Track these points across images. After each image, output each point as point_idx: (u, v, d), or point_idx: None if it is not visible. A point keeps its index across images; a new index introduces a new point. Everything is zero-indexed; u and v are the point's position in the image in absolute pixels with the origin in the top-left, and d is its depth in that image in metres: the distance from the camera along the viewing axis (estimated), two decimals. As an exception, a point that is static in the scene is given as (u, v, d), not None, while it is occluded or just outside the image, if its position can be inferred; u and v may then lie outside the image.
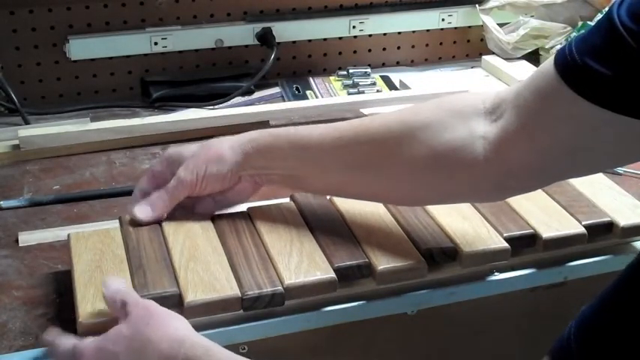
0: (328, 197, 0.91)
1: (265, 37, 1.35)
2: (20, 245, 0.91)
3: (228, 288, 0.75)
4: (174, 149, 0.87)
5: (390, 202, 0.87)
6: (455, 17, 1.47)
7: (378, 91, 1.35)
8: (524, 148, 0.70)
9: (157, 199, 0.84)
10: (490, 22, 1.46)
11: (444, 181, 0.76)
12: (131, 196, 0.87)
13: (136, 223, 0.84)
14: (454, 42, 1.51)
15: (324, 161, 0.80)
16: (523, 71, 1.38)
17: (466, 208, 0.89)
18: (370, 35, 1.44)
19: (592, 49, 0.62)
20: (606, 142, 0.66)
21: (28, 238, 0.92)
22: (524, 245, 0.86)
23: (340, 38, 1.43)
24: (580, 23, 1.43)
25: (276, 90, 1.37)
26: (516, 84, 0.73)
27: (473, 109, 0.74)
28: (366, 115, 1.26)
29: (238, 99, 1.31)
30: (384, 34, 1.45)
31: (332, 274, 0.78)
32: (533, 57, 1.47)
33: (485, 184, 0.75)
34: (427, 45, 1.50)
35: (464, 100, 0.76)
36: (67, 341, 0.69)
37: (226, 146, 0.84)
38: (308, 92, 1.35)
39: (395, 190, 0.80)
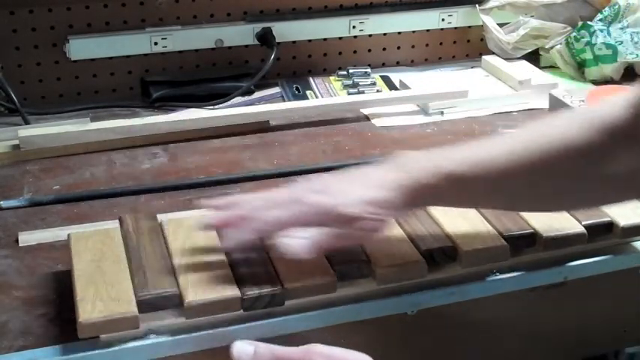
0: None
1: (265, 37, 1.35)
2: (20, 245, 0.91)
3: (228, 288, 0.75)
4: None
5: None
6: (455, 17, 1.47)
7: (378, 91, 1.35)
8: None
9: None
10: (490, 22, 1.46)
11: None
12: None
13: (136, 224, 0.84)
14: (454, 42, 1.51)
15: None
16: (523, 71, 1.38)
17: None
18: (370, 35, 1.45)
19: None
20: None
21: (28, 238, 0.92)
22: (524, 245, 0.86)
23: (340, 38, 1.43)
24: (580, 23, 1.43)
25: (276, 90, 1.37)
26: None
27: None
28: (366, 115, 1.27)
29: (238, 99, 1.32)
30: (384, 34, 1.45)
31: (332, 274, 0.78)
32: (533, 57, 1.47)
33: None
34: (427, 45, 1.50)
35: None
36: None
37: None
38: (308, 92, 1.35)
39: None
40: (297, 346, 0.80)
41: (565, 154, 0.75)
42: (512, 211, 0.86)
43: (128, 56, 1.32)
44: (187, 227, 0.85)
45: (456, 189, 0.76)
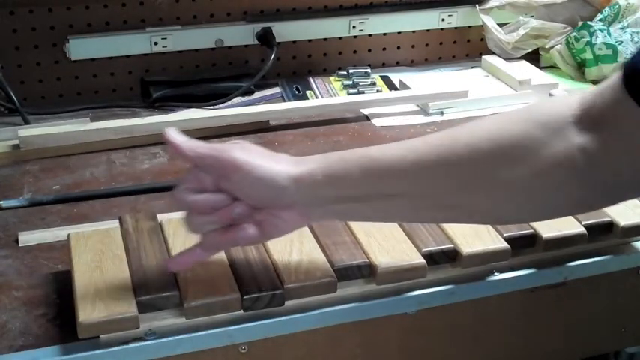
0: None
1: (265, 37, 1.35)
2: (20, 245, 0.91)
3: (228, 288, 0.76)
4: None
5: (486, 223, 0.82)
6: (455, 17, 1.47)
7: (378, 91, 1.35)
8: (625, 160, 0.65)
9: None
10: (490, 22, 1.46)
11: (547, 198, 0.69)
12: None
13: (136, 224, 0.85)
14: (454, 42, 1.51)
15: (402, 188, 0.71)
16: (523, 71, 1.38)
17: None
18: (370, 35, 1.44)
19: None
20: None
21: (28, 238, 0.92)
22: (524, 245, 0.86)
23: (340, 38, 1.43)
24: (580, 23, 1.43)
25: (276, 90, 1.37)
26: (601, 89, 0.66)
27: (562, 118, 0.67)
28: (366, 115, 1.27)
29: (238, 99, 1.32)
30: (384, 34, 1.45)
31: (332, 274, 0.78)
32: (534, 57, 1.47)
33: (593, 195, 0.68)
34: (427, 45, 1.50)
35: (549, 109, 0.69)
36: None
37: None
38: (308, 92, 1.35)
39: (489, 213, 0.72)
40: (297, 345, 0.80)
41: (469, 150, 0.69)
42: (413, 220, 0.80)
43: (128, 56, 1.32)
44: (187, 227, 0.85)
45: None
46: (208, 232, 0.74)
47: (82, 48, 1.28)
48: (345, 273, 0.79)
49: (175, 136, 0.74)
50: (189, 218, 0.74)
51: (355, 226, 0.85)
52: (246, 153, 0.72)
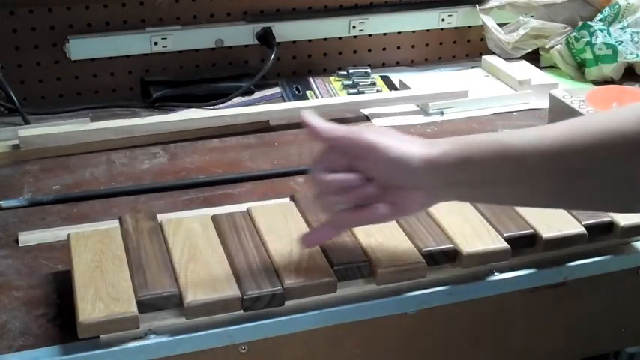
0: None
1: (265, 37, 1.35)
2: (20, 245, 0.91)
3: (228, 288, 0.75)
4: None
5: (607, 211, 0.84)
6: (455, 17, 1.47)
7: (378, 91, 1.35)
8: None
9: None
10: (490, 22, 1.46)
11: None
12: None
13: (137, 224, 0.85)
14: (454, 42, 1.51)
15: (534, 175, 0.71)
16: (523, 71, 1.38)
17: (466, 208, 0.89)
18: (370, 35, 1.45)
19: None
20: None
21: (28, 238, 0.92)
22: (524, 245, 0.86)
23: (340, 38, 1.43)
24: (580, 23, 1.43)
25: (276, 90, 1.37)
26: None
27: None
28: (366, 115, 1.27)
29: (238, 99, 1.32)
30: (384, 34, 1.45)
31: (332, 274, 0.78)
32: (534, 57, 1.47)
33: None
34: (427, 45, 1.50)
35: None
36: None
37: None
38: (308, 92, 1.35)
39: (614, 202, 0.71)
40: (297, 345, 0.80)
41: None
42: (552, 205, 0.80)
43: (128, 56, 1.32)
44: (187, 227, 0.85)
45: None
46: (340, 211, 0.76)
47: (82, 48, 1.28)
48: (345, 273, 0.79)
49: (311, 118, 0.76)
50: (322, 197, 0.76)
51: (355, 226, 0.85)
52: (381, 135, 0.74)
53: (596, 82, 1.40)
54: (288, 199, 0.92)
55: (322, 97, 1.33)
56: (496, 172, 0.71)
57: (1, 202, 0.99)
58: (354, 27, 1.42)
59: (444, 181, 0.73)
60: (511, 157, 0.71)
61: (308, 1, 1.40)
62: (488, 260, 0.84)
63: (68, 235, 0.84)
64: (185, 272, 0.77)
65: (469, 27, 1.50)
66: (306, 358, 0.82)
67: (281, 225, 0.85)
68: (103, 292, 0.74)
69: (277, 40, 1.35)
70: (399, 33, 1.46)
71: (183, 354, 0.75)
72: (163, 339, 0.75)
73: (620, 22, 1.43)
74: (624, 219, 0.88)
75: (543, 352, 0.94)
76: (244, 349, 0.78)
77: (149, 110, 1.28)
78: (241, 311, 0.76)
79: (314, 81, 1.39)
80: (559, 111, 1.21)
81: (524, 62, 1.44)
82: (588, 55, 1.39)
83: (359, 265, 0.80)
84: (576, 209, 0.85)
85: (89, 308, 0.72)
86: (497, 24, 1.47)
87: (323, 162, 0.76)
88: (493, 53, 1.46)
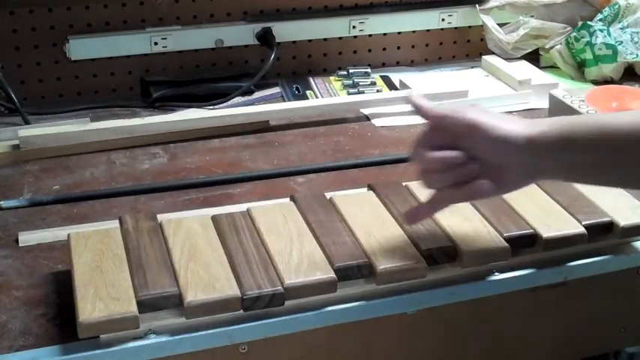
0: (328, 197, 0.92)
1: (265, 37, 1.35)
2: (20, 245, 0.91)
3: (228, 288, 0.75)
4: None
5: None
6: (455, 17, 1.47)
7: (378, 91, 1.35)
8: None
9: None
10: (490, 22, 1.46)
11: None
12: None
13: (136, 224, 0.85)
14: (454, 42, 1.51)
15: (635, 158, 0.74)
16: (523, 71, 1.38)
17: (466, 208, 0.89)
18: (370, 35, 1.45)
19: None
20: None
21: (28, 238, 0.92)
22: (524, 245, 0.86)
23: (340, 38, 1.43)
24: (580, 23, 1.43)
25: (276, 90, 1.37)
26: None
27: None
28: (366, 115, 1.27)
29: (238, 99, 1.32)
30: (384, 34, 1.45)
31: (332, 274, 0.78)
32: (534, 57, 1.47)
33: None
34: (427, 45, 1.50)
35: None
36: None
37: None
38: (308, 92, 1.35)
39: None
40: (297, 345, 0.81)
41: None
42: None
43: (128, 56, 1.32)
44: (187, 227, 0.85)
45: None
46: (442, 188, 0.78)
47: (82, 48, 1.28)
48: (345, 273, 0.79)
49: (417, 98, 0.79)
50: (426, 174, 0.78)
51: (355, 226, 0.85)
52: (484, 114, 0.77)
53: (596, 82, 1.40)
54: (288, 199, 0.92)
55: (322, 97, 1.33)
56: (593, 151, 0.74)
57: (1, 202, 0.99)
58: (354, 27, 1.42)
59: (544, 159, 0.75)
60: (607, 136, 0.73)
61: (308, 1, 1.40)
62: (488, 260, 0.84)
63: (68, 235, 0.84)
64: (185, 272, 0.77)
65: (469, 27, 1.50)
66: (306, 358, 0.82)
67: (281, 225, 0.85)
68: (103, 292, 0.74)
69: (277, 40, 1.35)
70: (399, 33, 1.46)
71: (183, 354, 0.75)
72: (163, 339, 0.75)
73: (620, 22, 1.43)
74: (624, 219, 0.88)
75: (543, 352, 0.94)
76: (244, 349, 0.78)
77: (149, 110, 1.28)
78: (241, 311, 0.76)
79: (314, 81, 1.39)
80: (559, 111, 1.21)
81: (524, 62, 1.44)
82: (588, 55, 1.39)
83: (359, 265, 0.80)
84: None
85: (89, 308, 0.72)
86: (497, 24, 1.47)
87: (427, 140, 0.78)
88: (493, 53, 1.46)
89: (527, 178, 0.79)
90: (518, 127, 0.75)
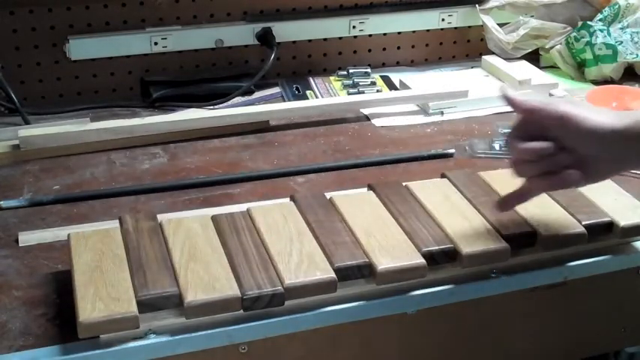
0: (328, 197, 0.92)
1: (265, 37, 1.35)
2: (20, 245, 0.91)
3: (228, 288, 0.75)
4: None
5: None
6: (455, 17, 1.47)
7: (378, 91, 1.35)
8: None
9: None
10: (490, 22, 1.46)
11: None
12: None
13: (136, 224, 0.85)
14: (454, 42, 1.51)
15: None
16: (523, 71, 1.38)
17: (466, 208, 0.89)
18: (370, 35, 1.45)
19: None
20: None
21: (28, 238, 0.92)
22: (524, 245, 0.86)
23: (340, 38, 1.43)
24: (580, 23, 1.43)
25: (276, 90, 1.37)
26: None
27: None
28: (366, 115, 1.27)
29: (238, 99, 1.32)
30: (384, 34, 1.45)
31: (332, 274, 0.78)
32: (534, 57, 1.47)
33: None
34: (427, 45, 1.50)
35: None
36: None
37: None
38: (308, 92, 1.35)
39: None
40: (297, 345, 0.81)
41: None
42: None
43: (128, 56, 1.32)
44: (187, 227, 0.85)
45: None
46: (533, 177, 0.81)
47: (82, 48, 1.28)
48: (345, 273, 0.79)
49: (509, 91, 0.83)
50: (517, 164, 0.82)
51: (355, 226, 0.85)
52: (575, 107, 0.79)
53: (596, 82, 1.40)
54: (288, 199, 0.92)
55: (322, 97, 1.33)
56: None
57: (1, 202, 0.99)
58: (354, 27, 1.42)
59: (633, 150, 0.78)
60: None
61: (308, 1, 1.40)
62: (488, 260, 0.84)
63: (68, 235, 0.84)
64: (185, 272, 0.77)
65: (469, 27, 1.50)
66: (306, 358, 0.82)
67: (281, 225, 0.85)
68: (103, 292, 0.74)
69: (277, 40, 1.35)
70: (399, 33, 1.46)
71: (183, 354, 0.76)
72: (163, 339, 0.75)
73: (620, 22, 1.43)
74: (624, 219, 0.88)
75: (543, 352, 0.94)
76: (244, 349, 0.78)
77: (149, 110, 1.28)
78: (241, 311, 0.76)
79: (314, 81, 1.39)
80: (559, 111, 1.21)
81: (524, 62, 1.44)
82: (588, 55, 1.39)
83: (359, 265, 0.80)
84: None
85: (89, 308, 0.72)
86: (497, 24, 1.47)
87: (519, 131, 0.82)
88: (493, 53, 1.46)
89: (615, 169, 0.83)
90: (608, 119, 0.78)
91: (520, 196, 0.84)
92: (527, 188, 0.83)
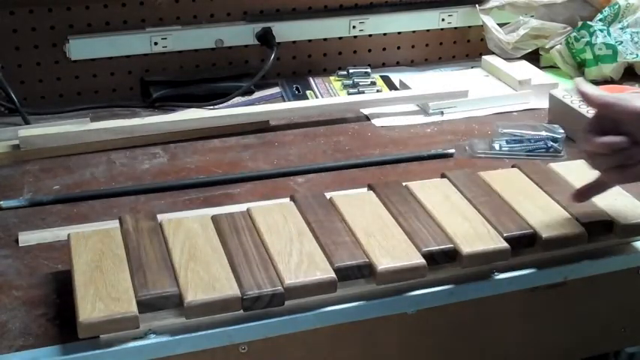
0: (328, 197, 0.92)
1: (265, 37, 1.35)
2: (20, 245, 0.91)
3: (228, 288, 0.75)
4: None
5: None
6: (455, 17, 1.47)
7: (378, 91, 1.35)
8: None
9: None
10: (490, 22, 1.46)
11: None
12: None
13: (136, 224, 0.85)
14: (454, 42, 1.51)
15: None
16: (523, 71, 1.38)
17: (466, 208, 0.89)
18: (370, 35, 1.45)
19: None
20: None
21: (28, 238, 0.92)
22: (524, 245, 0.86)
23: (340, 38, 1.43)
24: (580, 23, 1.43)
25: (276, 90, 1.37)
26: None
27: None
28: (366, 115, 1.27)
29: (238, 99, 1.32)
30: (384, 34, 1.45)
31: (332, 274, 0.78)
32: (534, 57, 1.47)
33: None
34: (427, 45, 1.50)
35: None
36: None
37: None
38: (308, 92, 1.35)
39: None
40: (297, 345, 0.80)
41: None
42: None
43: (128, 56, 1.32)
44: (187, 227, 0.85)
45: None
46: (608, 170, 0.83)
47: (82, 48, 1.28)
48: (345, 273, 0.79)
49: (585, 86, 0.83)
50: (592, 157, 0.83)
51: (355, 226, 0.85)
52: None
53: (596, 82, 1.39)
54: (288, 199, 0.92)
55: (322, 97, 1.33)
56: None
57: (1, 202, 0.99)
58: (354, 27, 1.42)
59: None
60: None
61: (308, 1, 1.40)
62: (488, 260, 0.84)
63: (68, 235, 0.84)
64: (185, 272, 0.77)
65: (469, 27, 1.50)
66: (306, 358, 0.82)
67: (281, 225, 0.85)
68: (103, 292, 0.74)
69: (277, 40, 1.35)
70: (399, 33, 1.46)
71: (183, 354, 0.76)
72: (163, 339, 0.75)
73: (620, 22, 1.43)
74: (624, 219, 0.88)
75: (543, 352, 0.94)
76: (244, 349, 0.78)
77: (149, 110, 1.28)
78: (241, 311, 0.76)
79: (314, 81, 1.39)
80: (559, 111, 1.21)
81: (524, 62, 1.44)
82: (588, 55, 1.39)
83: (359, 265, 0.80)
84: None
85: (89, 308, 0.72)
86: (497, 24, 1.47)
87: (594, 125, 0.82)
88: (493, 53, 1.46)
89: None
90: None
91: (596, 187, 0.86)
92: (602, 181, 0.85)
